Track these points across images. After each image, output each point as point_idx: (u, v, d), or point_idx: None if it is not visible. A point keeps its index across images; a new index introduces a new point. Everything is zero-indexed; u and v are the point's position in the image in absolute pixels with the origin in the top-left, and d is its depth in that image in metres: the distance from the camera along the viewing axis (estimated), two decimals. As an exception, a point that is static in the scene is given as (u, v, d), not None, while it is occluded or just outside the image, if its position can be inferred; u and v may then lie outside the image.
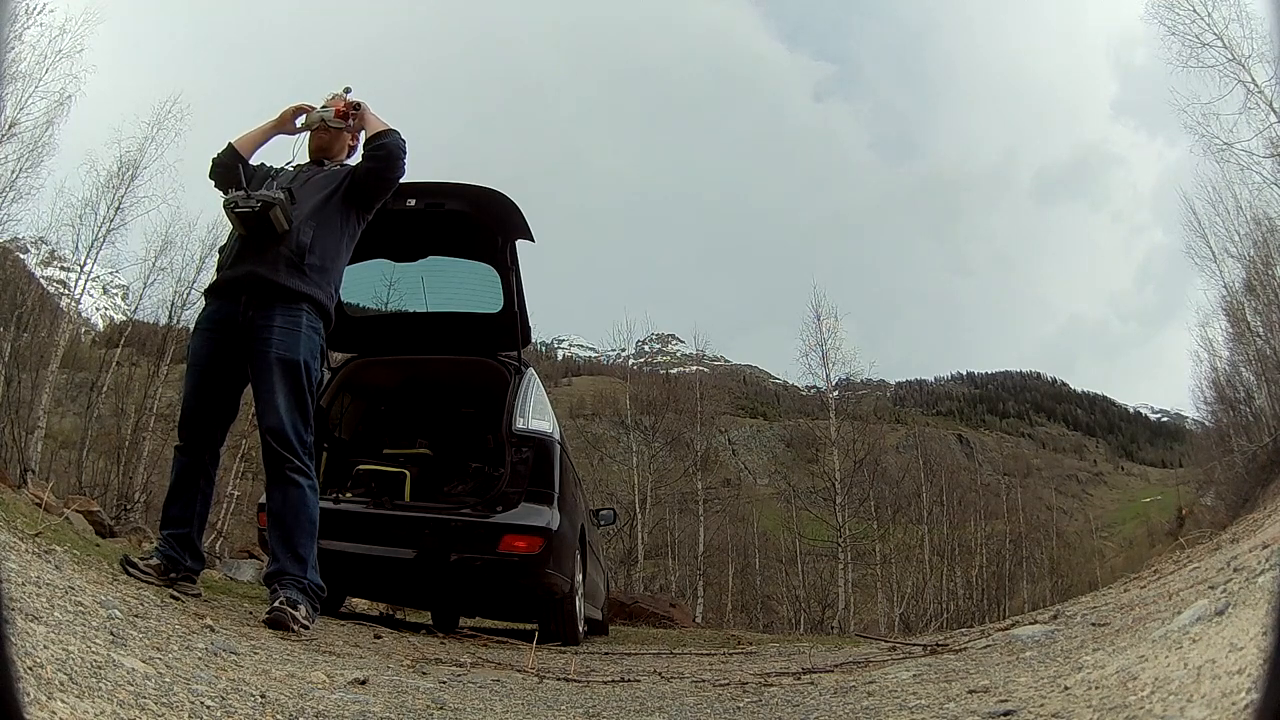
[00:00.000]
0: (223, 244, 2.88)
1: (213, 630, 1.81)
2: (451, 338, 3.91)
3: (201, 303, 2.94)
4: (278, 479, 2.54)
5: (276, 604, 2.33)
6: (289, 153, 2.94)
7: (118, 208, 13.07)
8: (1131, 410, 74.92)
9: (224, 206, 2.64)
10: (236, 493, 15.89)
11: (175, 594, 2.41)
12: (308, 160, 2.91)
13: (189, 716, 0.99)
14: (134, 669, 1.12)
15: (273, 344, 2.57)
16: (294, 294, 2.61)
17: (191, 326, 3.99)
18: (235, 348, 2.62)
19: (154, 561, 2.54)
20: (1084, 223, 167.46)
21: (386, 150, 2.78)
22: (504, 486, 3.34)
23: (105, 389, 14.31)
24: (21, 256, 14.55)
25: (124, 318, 17.24)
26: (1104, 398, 75.83)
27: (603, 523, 6.16)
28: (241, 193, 2.62)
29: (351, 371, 3.92)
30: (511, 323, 3.72)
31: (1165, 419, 63.95)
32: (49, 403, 12.28)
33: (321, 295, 2.68)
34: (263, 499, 3.52)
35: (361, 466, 3.69)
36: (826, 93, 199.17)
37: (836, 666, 2.29)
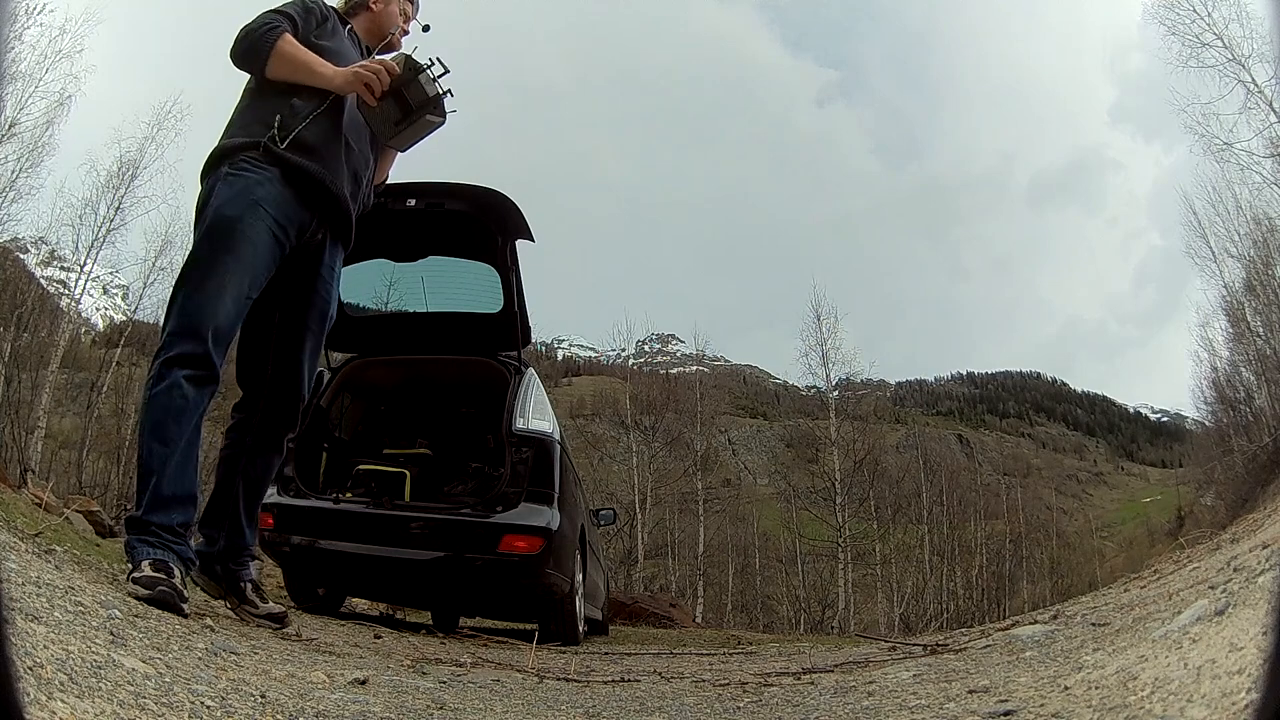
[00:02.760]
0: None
1: (213, 630, 1.80)
2: (451, 338, 3.91)
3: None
4: (274, 446, 2.28)
5: (249, 591, 2.21)
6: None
7: (118, 208, 13.16)
8: (1131, 410, 75.12)
9: (406, 67, 2.03)
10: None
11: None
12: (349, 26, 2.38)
13: (189, 716, 0.99)
14: (134, 669, 1.12)
15: (332, 296, 2.25)
16: (352, 237, 2.26)
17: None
18: (284, 264, 2.10)
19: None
20: (1081, 226, 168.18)
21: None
22: (504, 486, 3.34)
23: (105, 389, 14.34)
24: (21, 256, 14.59)
25: (124, 318, 17.30)
26: (1104, 398, 76.12)
27: (603, 523, 6.17)
28: (439, 65, 2.04)
29: (351, 371, 3.92)
30: (511, 323, 3.72)
31: (1165, 419, 64.17)
32: (49, 403, 12.30)
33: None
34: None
35: (361, 466, 3.69)
36: (829, 98, 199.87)
37: (836, 666, 2.29)
